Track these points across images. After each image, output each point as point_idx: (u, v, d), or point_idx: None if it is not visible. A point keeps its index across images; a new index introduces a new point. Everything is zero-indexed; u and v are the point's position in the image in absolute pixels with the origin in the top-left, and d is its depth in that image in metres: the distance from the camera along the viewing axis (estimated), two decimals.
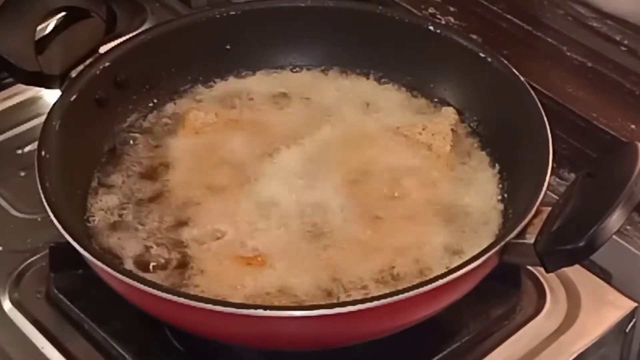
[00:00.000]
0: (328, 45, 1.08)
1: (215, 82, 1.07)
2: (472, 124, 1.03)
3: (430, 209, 0.95)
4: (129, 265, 0.90)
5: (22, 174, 1.08)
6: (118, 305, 0.88)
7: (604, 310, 0.96)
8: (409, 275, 0.89)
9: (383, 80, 1.07)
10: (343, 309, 0.79)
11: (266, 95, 1.07)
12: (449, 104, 1.04)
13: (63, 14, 1.02)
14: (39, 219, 1.02)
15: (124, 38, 1.04)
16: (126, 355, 0.90)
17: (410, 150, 1.00)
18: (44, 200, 0.86)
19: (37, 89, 1.13)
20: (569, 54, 1.16)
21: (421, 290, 0.80)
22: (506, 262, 0.84)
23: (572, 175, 1.05)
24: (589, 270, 0.99)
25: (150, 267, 0.90)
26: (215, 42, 1.07)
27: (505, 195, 0.95)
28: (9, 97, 1.17)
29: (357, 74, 1.08)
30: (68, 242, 0.84)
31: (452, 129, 1.00)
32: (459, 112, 1.02)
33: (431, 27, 1.05)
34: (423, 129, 1.00)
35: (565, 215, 0.82)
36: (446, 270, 0.84)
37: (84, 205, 0.95)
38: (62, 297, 0.94)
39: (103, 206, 0.95)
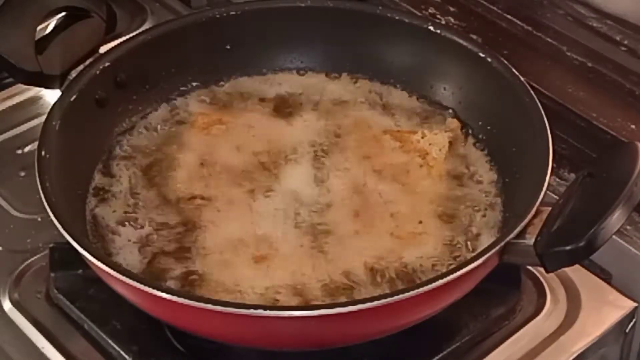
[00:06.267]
0: (328, 46, 1.08)
1: (215, 82, 1.07)
2: (471, 124, 1.03)
3: (430, 209, 0.95)
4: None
5: (22, 174, 1.07)
6: (118, 305, 0.88)
7: (604, 310, 0.96)
8: (408, 276, 0.89)
9: (382, 80, 1.07)
10: (343, 309, 0.79)
11: (267, 96, 1.07)
12: (448, 107, 1.04)
13: (63, 14, 1.02)
14: (39, 219, 1.01)
15: (124, 38, 1.04)
16: (126, 355, 0.90)
17: (405, 156, 1.00)
18: (44, 200, 0.86)
19: (37, 89, 1.13)
20: (569, 54, 1.16)
21: (421, 290, 0.80)
22: (506, 262, 0.85)
23: (572, 175, 1.05)
24: (589, 270, 0.99)
25: (156, 267, 0.90)
26: (215, 42, 1.07)
27: (505, 195, 0.96)
28: (9, 97, 1.17)
29: (356, 75, 1.08)
30: (68, 242, 0.84)
31: (450, 142, 1.00)
32: (459, 119, 1.03)
33: (431, 27, 1.05)
34: (422, 137, 1.01)
35: (565, 215, 0.82)
36: (446, 270, 0.84)
37: (83, 205, 0.95)
38: (62, 297, 0.94)
39: (105, 207, 0.95)
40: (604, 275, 1.00)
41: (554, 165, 0.89)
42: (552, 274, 0.96)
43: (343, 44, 1.08)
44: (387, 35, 1.06)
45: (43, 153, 0.91)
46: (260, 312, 0.79)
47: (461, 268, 0.81)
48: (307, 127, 1.03)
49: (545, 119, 0.93)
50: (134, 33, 1.06)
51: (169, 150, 1.01)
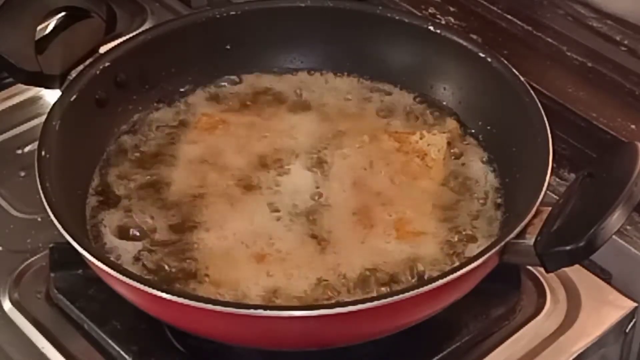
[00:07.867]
0: (328, 46, 1.08)
1: (215, 83, 1.07)
2: (471, 124, 1.03)
3: (429, 210, 0.95)
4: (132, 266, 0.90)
5: (22, 174, 1.08)
6: (118, 305, 0.88)
7: (604, 310, 0.96)
8: (407, 276, 0.89)
9: (383, 80, 1.07)
10: (343, 309, 0.79)
11: (267, 96, 1.07)
12: (448, 107, 1.04)
13: (63, 14, 1.02)
14: (39, 219, 1.02)
15: (124, 38, 1.04)
16: (126, 355, 0.90)
17: (404, 156, 1.00)
18: (44, 200, 0.86)
19: (37, 89, 1.13)
20: (569, 54, 1.16)
21: (421, 290, 0.80)
22: (506, 262, 0.85)
23: (572, 175, 1.05)
24: (589, 270, 0.99)
25: (156, 267, 0.90)
26: (215, 42, 1.07)
27: (505, 195, 0.96)
28: (9, 97, 1.17)
29: (356, 74, 1.08)
30: (68, 242, 0.84)
31: (448, 142, 1.00)
32: (458, 119, 1.03)
33: (431, 27, 1.05)
34: (420, 138, 1.01)
35: (565, 215, 0.82)
36: (446, 270, 0.84)
37: (83, 205, 0.95)
38: (62, 297, 0.94)
39: (105, 207, 0.95)
40: (604, 275, 1.00)
41: (554, 165, 0.89)
42: (552, 274, 0.96)
43: (343, 44, 1.08)
44: (387, 35, 1.06)
45: (43, 153, 0.91)
46: (260, 312, 0.79)
47: (461, 268, 0.81)
48: (308, 127, 1.03)
49: (545, 119, 0.93)
50: (134, 33, 1.06)
51: (169, 150, 1.01)
